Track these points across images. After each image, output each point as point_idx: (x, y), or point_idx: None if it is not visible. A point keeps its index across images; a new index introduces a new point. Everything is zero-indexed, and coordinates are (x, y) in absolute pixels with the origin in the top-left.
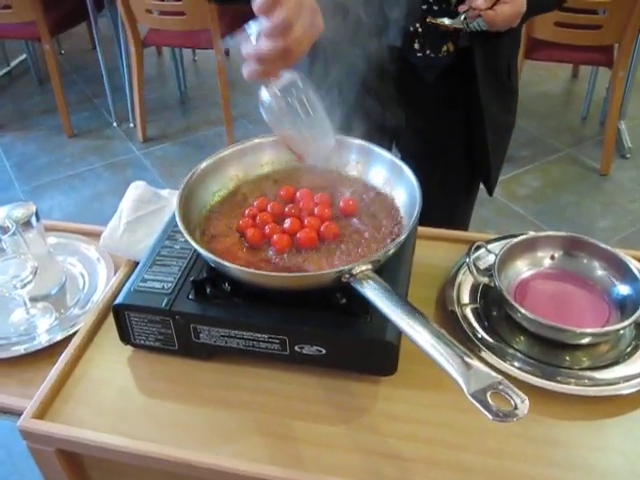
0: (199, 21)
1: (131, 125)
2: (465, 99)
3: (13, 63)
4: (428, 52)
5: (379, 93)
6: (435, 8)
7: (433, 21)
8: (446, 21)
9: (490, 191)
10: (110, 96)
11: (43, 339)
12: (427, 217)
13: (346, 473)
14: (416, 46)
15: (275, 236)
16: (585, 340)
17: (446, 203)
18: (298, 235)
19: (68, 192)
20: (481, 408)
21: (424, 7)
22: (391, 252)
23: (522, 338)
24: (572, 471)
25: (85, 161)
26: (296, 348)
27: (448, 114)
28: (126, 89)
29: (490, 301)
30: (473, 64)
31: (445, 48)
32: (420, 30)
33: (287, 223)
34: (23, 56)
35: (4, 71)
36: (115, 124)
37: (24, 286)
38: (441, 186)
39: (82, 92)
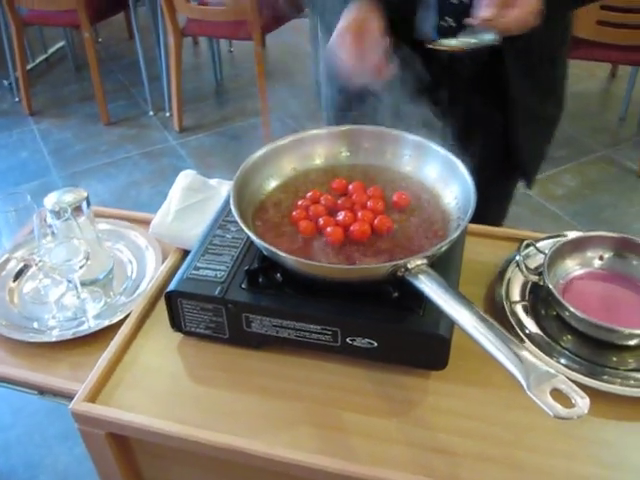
0: (239, 12)
1: (167, 114)
2: (497, 89)
3: (51, 50)
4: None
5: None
6: (465, 1)
7: (436, 47)
8: (452, 42)
9: (528, 184)
10: (147, 85)
11: (92, 324)
12: None
13: (396, 466)
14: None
15: (329, 228)
16: (633, 341)
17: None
18: (352, 228)
19: (104, 180)
20: (542, 405)
21: (454, 1)
22: (445, 248)
23: (570, 337)
24: (620, 471)
25: (121, 149)
26: (347, 340)
27: (480, 101)
28: (163, 79)
29: (538, 299)
30: (502, 62)
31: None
32: (454, 25)
33: (340, 215)
34: (61, 43)
35: (42, 58)
36: (151, 113)
37: (78, 270)
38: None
39: (119, 81)
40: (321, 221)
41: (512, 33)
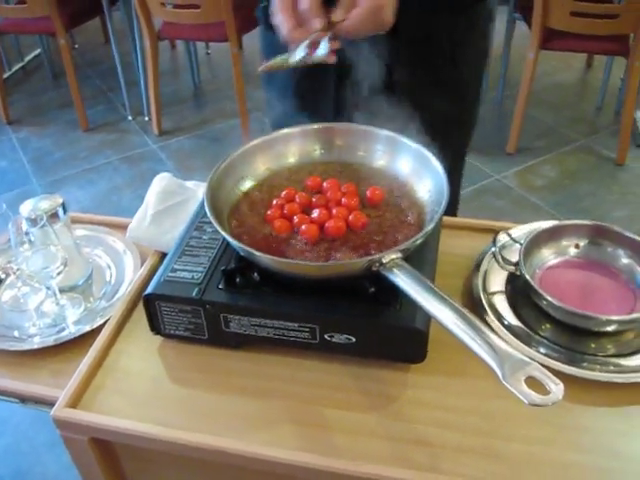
0: (214, 14)
1: (146, 118)
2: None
3: (27, 58)
4: None
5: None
6: None
7: (266, 69)
8: (279, 59)
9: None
10: (125, 90)
11: (72, 330)
12: None
13: (377, 459)
14: None
15: (303, 226)
16: (610, 327)
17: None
18: (326, 225)
19: (85, 186)
20: (517, 393)
21: None
22: (419, 241)
23: (548, 325)
24: (600, 456)
25: (101, 155)
26: (326, 336)
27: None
28: (141, 83)
29: (516, 289)
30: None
31: None
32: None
33: (315, 213)
34: (37, 51)
35: (19, 66)
36: (130, 117)
37: (56, 276)
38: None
39: (96, 86)
40: (296, 219)
41: (358, 36)
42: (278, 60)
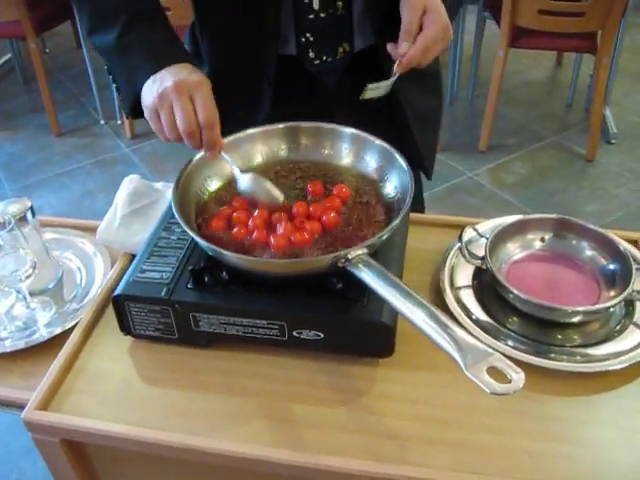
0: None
1: (118, 122)
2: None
3: None
4: (325, 58)
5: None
6: (322, 15)
7: (366, 97)
8: (382, 89)
9: (428, 175)
10: (96, 94)
11: (43, 332)
12: None
13: (346, 453)
14: (311, 55)
15: (272, 240)
16: (576, 318)
17: None
18: (292, 238)
19: (58, 190)
20: (478, 383)
21: (310, 17)
22: (385, 237)
23: (515, 318)
24: (568, 445)
25: (73, 159)
26: (294, 333)
27: (366, 111)
28: (112, 87)
29: (483, 283)
30: (379, 61)
31: (341, 49)
32: (312, 39)
33: (281, 229)
34: (8, 56)
35: None
36: (102, 122)
37: (25, 279)
38: None
39: (68, 90)
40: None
41: (425, 61)
42: (382, 89)
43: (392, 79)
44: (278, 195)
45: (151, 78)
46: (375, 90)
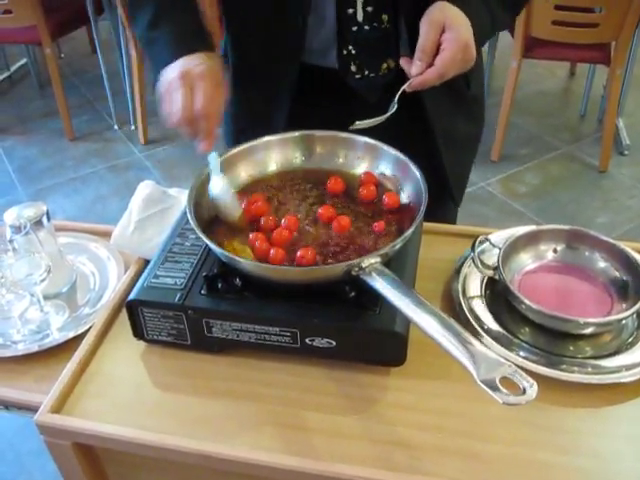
0: None
1: (132, 128)
2: (414, 114)
3: (13, 67)
4: (367, 72)
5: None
6: (366, 28)
7: (356, 127)
8: (378, 121)
9: (455, 203)
10: (111, 99)
11: (57, 336)
12: None
13: (358, 461)
14: (353, 68)
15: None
16: (588, 330)
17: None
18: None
19: (71, 195)
20: (491, 393)
21: (354, 29)
22: (398, 246)
23: (527, 329)
24: (579, 457)
25: (87, 164)
26: (307, 341)
27: (399, 131)
28: (127, 92)
29: (495, 293)
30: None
31: (385, 65)
32: (354, 52)
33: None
34: (23, 60)
35: (4, 75)
36: (116, 127)
37: (40, 283)
38: None
39: (82, 96)
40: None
41: (448, 77)
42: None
43: (387, 114)
44: (236, 209)
45: (166, 68)
46: (367, 122)
